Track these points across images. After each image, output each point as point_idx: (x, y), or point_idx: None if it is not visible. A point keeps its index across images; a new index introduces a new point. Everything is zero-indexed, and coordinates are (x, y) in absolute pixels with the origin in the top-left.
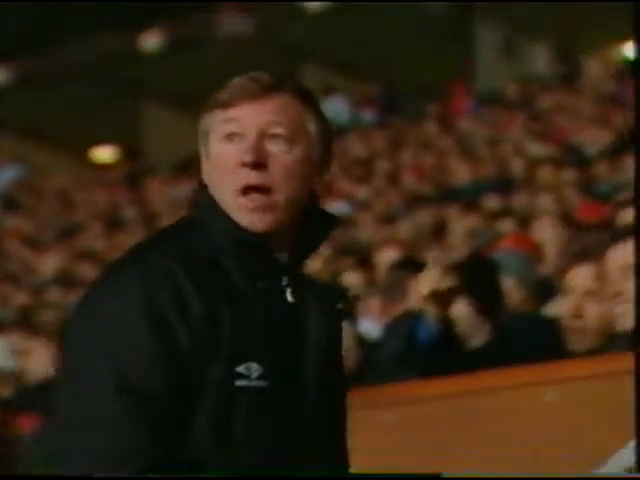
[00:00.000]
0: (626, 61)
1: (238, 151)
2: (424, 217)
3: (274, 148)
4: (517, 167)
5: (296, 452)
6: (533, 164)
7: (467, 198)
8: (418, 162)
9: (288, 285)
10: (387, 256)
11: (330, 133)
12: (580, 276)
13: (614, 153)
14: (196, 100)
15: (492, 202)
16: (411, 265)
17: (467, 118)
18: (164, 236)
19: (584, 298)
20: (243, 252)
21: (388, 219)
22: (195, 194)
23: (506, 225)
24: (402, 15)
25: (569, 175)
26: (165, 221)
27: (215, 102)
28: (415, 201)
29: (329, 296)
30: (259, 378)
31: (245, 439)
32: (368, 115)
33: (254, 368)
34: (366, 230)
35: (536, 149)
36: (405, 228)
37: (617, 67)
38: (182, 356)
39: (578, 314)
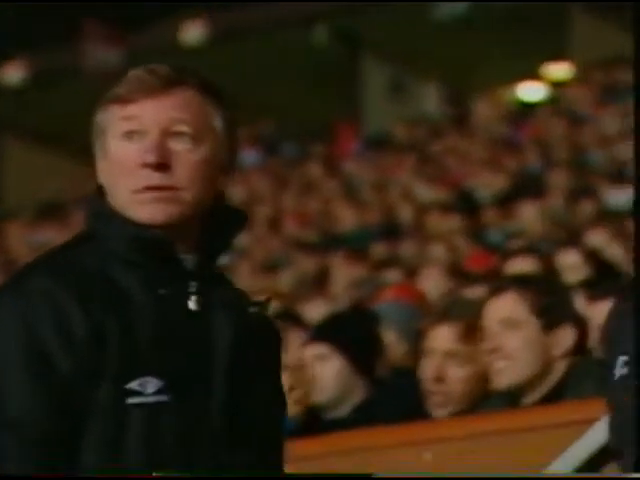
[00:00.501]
0: (519, 102)
1: (138, 150)
2: (306, 265)
3: (178, 147)
4: (405, 213)
5: (203, 466)
6: (422, 210)
7: (352, 245)
8: (301, 206)
9: (194, 291)
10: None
11: (235, 130)
12: (441, 336)
13: (506, 199)
14: (60, 138)
15: (378, 250)
16: (288, 318)
17: (353, 161)
18: (49, 254)
19: (445, 360)
20: (143, 257)
21: (268, 267)
22: (88, 203)
23: (392, 274)
24: (285, 48)
25: (459, 222)
26: None
27: (111, 97)
28: (297, 248)
29: (242, 301)
30: (157, 393)
31: (142, 457)
32: (249, 155)
33: (151, 383)
34: (244, 279)
35: (425, 193)
36: (286, 277)
37: (509, 108)
38: (64, 384)
39: (440, 377)
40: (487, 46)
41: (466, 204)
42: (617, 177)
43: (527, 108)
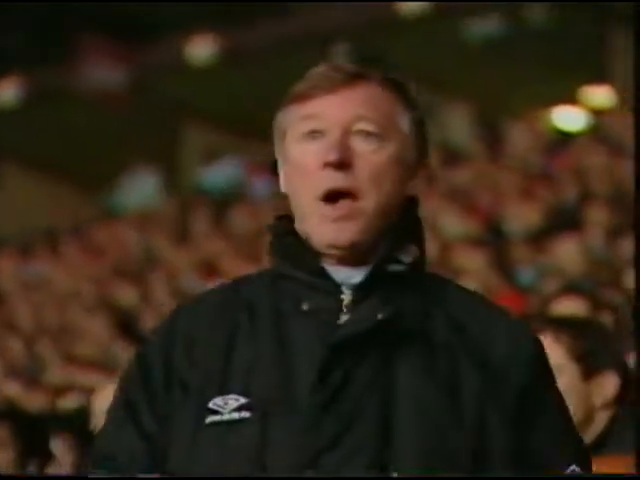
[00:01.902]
0: (555, 129)
1: (319, 150)
2: None
3: (361, 146)
4: (430, 247)
5: None
6: (448, 244)
7: None
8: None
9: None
10: None
11: (425, 129)
12: None
13: (540, 234)
14: (55, 164)
15: None
16: None
17: None
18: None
19: None
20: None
21: None
22: (273, 228)
23: None
24: (300, 69)
25: (489, 257)
26: (15, 301)
27: (292, 95)
28: None
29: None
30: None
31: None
32: (258, 183)
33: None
34: None
35: (452, 227)
36: None
37: (545, 136)
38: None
39: None
40: (521, 68)
41: (496, 238)
42: None
43: (564, 136)
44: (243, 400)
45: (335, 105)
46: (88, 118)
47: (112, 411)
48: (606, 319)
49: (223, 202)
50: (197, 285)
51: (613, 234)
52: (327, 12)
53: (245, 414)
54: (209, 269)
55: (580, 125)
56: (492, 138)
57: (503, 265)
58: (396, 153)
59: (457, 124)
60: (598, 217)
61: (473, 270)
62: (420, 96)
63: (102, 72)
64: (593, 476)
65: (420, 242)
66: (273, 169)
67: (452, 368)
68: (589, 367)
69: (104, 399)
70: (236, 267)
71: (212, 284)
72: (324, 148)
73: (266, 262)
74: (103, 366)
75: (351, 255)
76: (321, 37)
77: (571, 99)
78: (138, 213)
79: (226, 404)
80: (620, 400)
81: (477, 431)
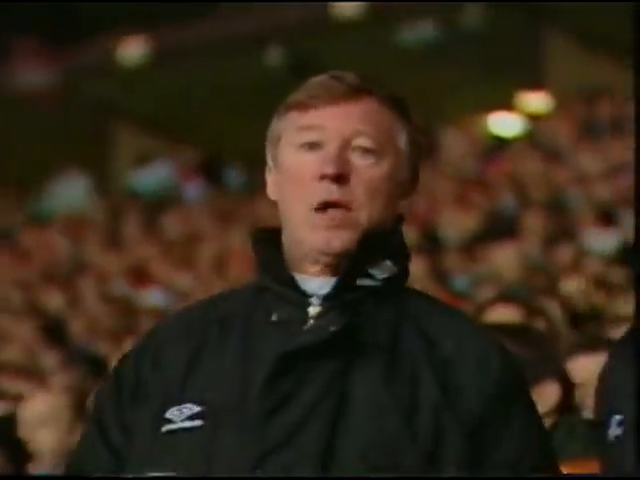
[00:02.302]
0: (491, 135)
1: (317, 162)
2: None
3: (358, 161)
4: None
5: None
6: None
7: None
8: (249, 244)
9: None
10: None
11: (420, 150)
12: None
13: (475, 240)
14: None
15: None
16: None
17: None
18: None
19: None
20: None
21: None
22: (254, 236)
23: None
24: (234, 70)
25: (424, 265)
26: None
27: (291, 102)
28: None
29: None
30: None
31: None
32: (190, 187)
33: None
34: None
35: None
36: None
37: (480, 142)
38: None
39: None
40: (456, 72)
41: (432, 245)
42: (598, 219)
43: (500, 141)
44: (197, 409)
45: (335, 118)
46: (16, 120)
47: (85, 426)
48: (540, 326)
49: (155, 206)
50: (127, 290)
51: (549, 241)
52: (260, 13)
53: (197, 422)
54: (140, 274)
55: (516, 130)
56: (427, 143)
57: (438, 272)
58: (391, 170)
59: None
60: (534, 224)
61: (411, 278)
62: None
63: (31, 73)
64: (593, 476)
65: (400, 259)
66: (207, 171)
67: (413, 381)
68: (530, 376)
69: (32, 408)
70: (167, 272)
71: (144, 290)
72: (322, 160)
73: (198, 267)
74: (30, 372)
75: (340, 265)
76: (254, 38)
77: (507, 104)
78: (67, 217)
79: (181, 413)
80: (561, 409)
81: (430, 444)
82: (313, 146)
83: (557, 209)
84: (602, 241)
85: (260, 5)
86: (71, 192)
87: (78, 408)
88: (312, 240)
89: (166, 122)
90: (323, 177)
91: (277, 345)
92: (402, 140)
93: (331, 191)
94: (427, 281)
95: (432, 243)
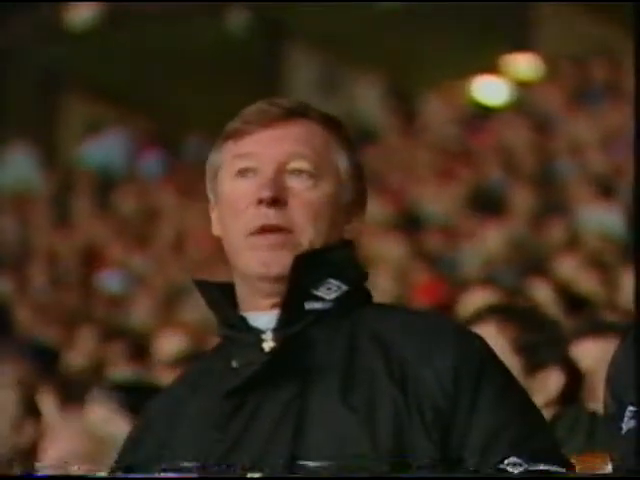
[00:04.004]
0: (475, 102)
1: (252, 187)
2: None
3: (295, 184)
4: None
5: None
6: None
7: None
8: (210, 223)
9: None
10: (168, 344)
11: (362, 172)
12: None
13: (460, 217)
14: None
15: None
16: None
17: None
18: None
19: None
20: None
21: (171, 298)
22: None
23: None
24: (192, 36)
25: (404, 245)
26: None
27: (225, 133)
28: (209, 274)
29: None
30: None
31: None
32: (147, 159)
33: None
34: (143, 310)
35: None
36: (193, 310)
37: (464, 109)
38: None
39: None
40: (437, 34)
41: (411, 224)
42: (592, 192)
43: (485, 109)
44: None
45: (269, 142)
46: None
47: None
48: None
49: (107, 180)
50: (79, 272)
51: (540, 217)
52: None
53: None
54: (92, 255)
55: (502, 97)
56: (405, 111)
57: (421, 252)
58: (331, 192)
59: (366, 96)
60: (523, 199)
61: (390, 258)
62: (324, 65)
63: None
64: (594, 476)
65: (349, 277)
66: (165, 142)
67: (371, 390)
68: (532, 362)
69: None
70: (122, 253)
71: (97, 273)
72: (257, 186)
73: (156, 248)
74: None
75: (283, 289)
76: (212, 2)
77: (492, 68)
78: (12, 194)
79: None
80: (565, 398)
81: (394, 448)
82: (248, 173)
83: (548, 182)
84: (599, 217)
85: None
86: (16, 166)
87: (26, 404)
88: (251, 265)
89: (120, 89)
90: (259, 202)
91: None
92: (342, 162)
93: (268, 216)
94: (409, 262)
95: (412, 221)
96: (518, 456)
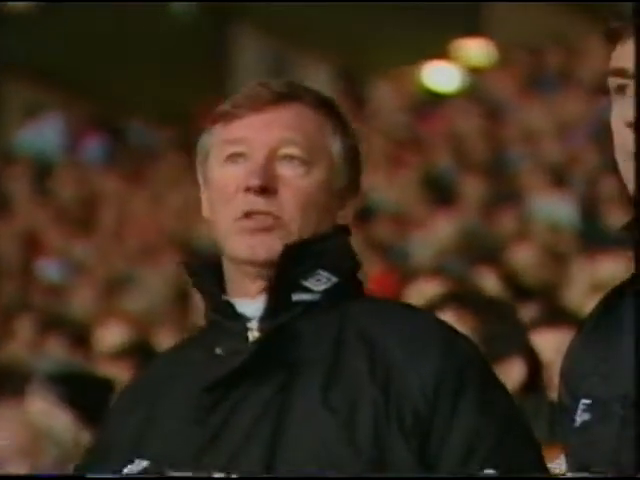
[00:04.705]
0: (425, 88)
1: (241, 174)
2: (161, 284)
3: (286, 171)
4: None
5: None
6: None
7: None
8: (154, 211)
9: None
10: (111, 335)
11: (359, 155)
12: None
13: (410, 206)
14: None
15: None
16: (141, 352)
17: None
18: None
19: None
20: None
21: (113, 286)
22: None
23: None
24: (135, 17)
25: (355, 233)
26: None
27: (215, 114)
28: (149, 263)
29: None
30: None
31: None
32: (88, 145)
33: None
34: (83, 299)
35: None
36: (136, 299)
37: (414, 95)
38: None
39: None
40: (388, 19)
41: (359, 212)
42: (545, 182)
43: (436, 96)
44: (145, 463)
45: (260, 128)
46: None
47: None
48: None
49: (47, 166)
50: (17, 260)
51: (491, 207)
52: None
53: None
54: (31, 242)
55: (453, 83)
56: (355, 97)
57: (373, 242)
58: (323, 179)
59: (315, 81)
60: (474, 188)
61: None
62: (273, 49)
63: None
64: (593, 476)
65: (340, 268)
66: (108, 127)
67: (353, 392)
68: (493, 352)
69: None
70: (62, 240)
71: (36, 261)
72: (246, 172)
73: (97, 236)
74: None
75: (270, 278)
76: None
77: (443, 53)
78: None
79: (131, 471)
80: (526, 388)
81: (372, 452)
82: (238, 158)
83: (500, 171)
84: (551, 206)
85: None
86: None
87: None
88: (238, 248)
89: (61, 73)
90: (247, 190)
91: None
92: (335, 146)
93: (256, 202)
94: (359, 252)
95: (362, 210)
96: (495, 467)
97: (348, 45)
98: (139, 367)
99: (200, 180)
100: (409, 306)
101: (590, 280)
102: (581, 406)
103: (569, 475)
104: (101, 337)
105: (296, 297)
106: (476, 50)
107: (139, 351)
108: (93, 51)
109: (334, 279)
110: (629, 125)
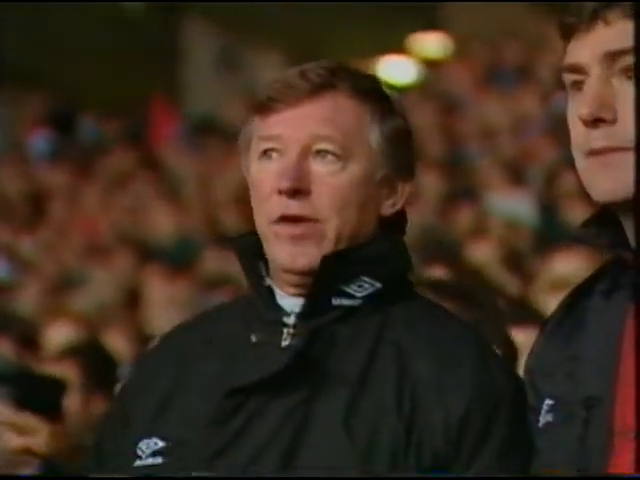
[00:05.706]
0: None
1: (275, 174)
2: (110, 283)
3: (320, 168)
4: (232, 217)
5: None
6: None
7: (171, 258)
8: (104, 207)
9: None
10: (59, 335)
11: (407, 135)
12: None
13: None
14: None
15: (206, 265)
16: (93, 352)
17: (172, 149)
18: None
19: None
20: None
21: (60, 285)
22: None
23: (224, 296)
24: (86, 12)
25: None
26: None
27: (255, 104)
28: (99, 261)
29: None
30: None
31: None
32: (36, 139)
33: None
34: (31, 298)
35: None
36: (84, 298)
37: None
38: None
39: None
40: (342, 12)
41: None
42: (502, 178)
43: (391, 89)
44: (161, 444)
45: (294, 124)
46: None
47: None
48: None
49: None
50: None
51: (447, 203)
52: None
53: (158, 459)
54: None
55: (409, 77)
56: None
57: None
58: (362, 172)
59: (267, 74)
60: (430, 183)
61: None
62: (224, 42)
63: None
64: (594, 476)
65: (382, 273)
66: (56, 121)
67: (377, 418)
68: None
69: None
70: (8, 237)
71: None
72: (279, 172)
73: (44, 232)
74: None
75: (310, 285)
76: None
77: (399, 47)
78: None
79: (147, 447)
80: None
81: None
82: (272, 153)
83: (456, 167)
84: (510, 203)
85: None
86: None
87: None
88: (277, 255)
89: (9, 67)
90: (280, 192)
91: (255, 371)
92: (374, 134)
93: (289, 206)
94: None
95: None
96: None
97: (302, 38)
98: (91, 365)
99: (244, 171)
100: (450, 319)
101: (549, 277)
102: (545, 407)
103: (569, 475)
104: (49, 336)
105: (336, 301)
106: (432, 44)
107: (87, 350)
108: (44, 46)
109: (377, 285)
110: (582, 120)
